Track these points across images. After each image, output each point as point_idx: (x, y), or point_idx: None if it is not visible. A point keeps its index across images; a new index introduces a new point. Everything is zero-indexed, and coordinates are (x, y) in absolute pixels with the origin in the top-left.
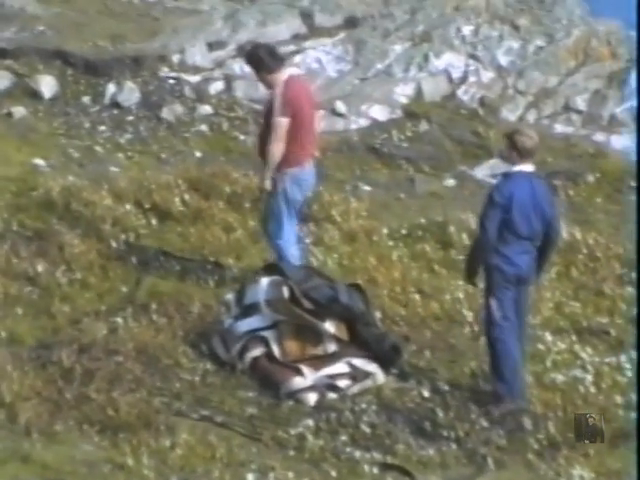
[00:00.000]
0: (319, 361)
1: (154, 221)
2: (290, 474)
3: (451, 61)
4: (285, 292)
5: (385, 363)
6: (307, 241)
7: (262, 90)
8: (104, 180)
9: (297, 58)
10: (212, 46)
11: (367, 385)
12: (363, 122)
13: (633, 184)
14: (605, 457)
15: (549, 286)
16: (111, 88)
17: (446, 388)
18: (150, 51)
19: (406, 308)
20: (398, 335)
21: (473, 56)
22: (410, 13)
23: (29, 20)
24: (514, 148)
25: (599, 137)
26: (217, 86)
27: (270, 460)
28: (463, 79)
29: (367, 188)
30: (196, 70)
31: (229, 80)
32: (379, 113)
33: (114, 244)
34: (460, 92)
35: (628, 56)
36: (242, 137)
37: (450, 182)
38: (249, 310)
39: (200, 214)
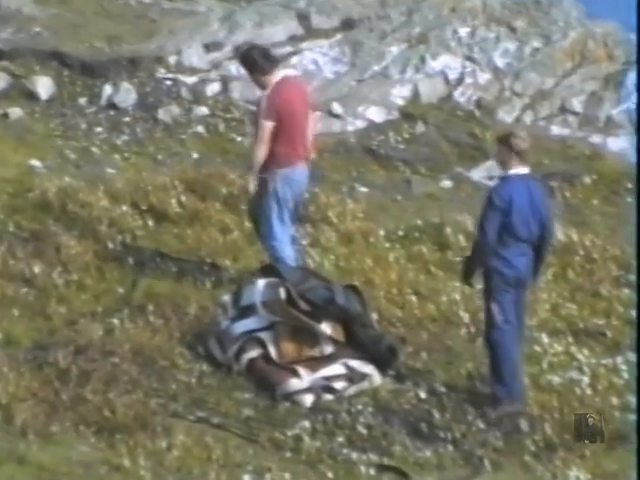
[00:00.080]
0: (315, 362)
1: (150, 222)
2: (286, 475)
3: (448, 63)
4: (282, 293)
5: (381, 364)
6: (303, 242)
7: (258, 91)
8: (100, 181)
9: (294, 59)
10: (209, 47)
11: (363, 386)
12: (360, 123)
13: (630, 186)
14: (601, 459)
15: (545, 288)
16: (107, 89)
17: (442, 389)
18: (147, 52)
19: (403, 309)
20: (394, 336)
21: (470, 58)
22: (407, 15)
23: (26, 21)
24: (512, 151)
25: (595, 139)
26: (213, 87)
27: (266, 461)
28: (460, 81)
29: (364, 189)
30: (193, 71)
31: (225, 81)
32: (376, 114)
33: (110, 245)
34: (457, 94)
35: (624, 58)
36: (239, 138)
37: (447, 183)
38: (246, 311)
39: (197, 215)
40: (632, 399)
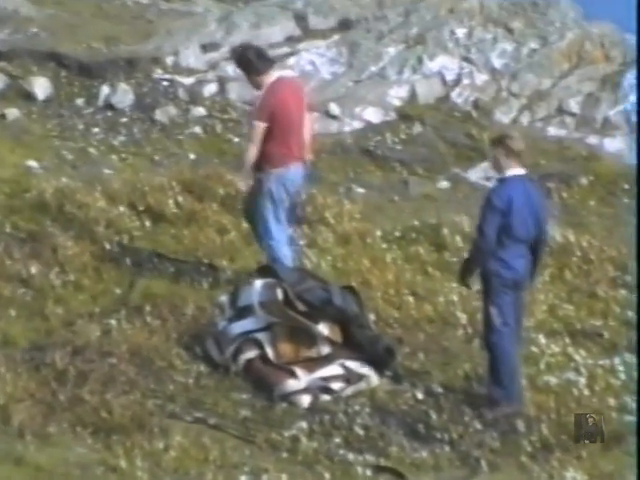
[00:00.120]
0: (313, 363)
1: (148, 223)
2: (283, 476)
3: (445, 64)
4: (279, 294)
5: (379, 365)
6: (301, 243)
7: (255, 92)
8: (98, 182)
9: (291, 60)
10: (206, 48)
11: (361, 387)
12: (357, 124)
13: (626, 187)
14: (598, 459)
15: (543, 289)
16: (105, 90)
17: (439, 390)
18: (144, 53)
19: (400, 310)
20: (392, 337)
21: (467, 59)
22: (404, 15)
23: (23, 22)
24: (509, 152)
25: (592, 140)
26: (211, 88)
27: (263, 462)
28: (457, 81)
29: (361, 190)
30: (190, 72)
31: (223, 82)
32: (373, 115)
33: (108, 246)
34: (454, 94)
35: (621, 59)
36: (236, 139)
37: (444, 184)
38: (243, 312)
39: (194, 216)
40: (629, 400)
